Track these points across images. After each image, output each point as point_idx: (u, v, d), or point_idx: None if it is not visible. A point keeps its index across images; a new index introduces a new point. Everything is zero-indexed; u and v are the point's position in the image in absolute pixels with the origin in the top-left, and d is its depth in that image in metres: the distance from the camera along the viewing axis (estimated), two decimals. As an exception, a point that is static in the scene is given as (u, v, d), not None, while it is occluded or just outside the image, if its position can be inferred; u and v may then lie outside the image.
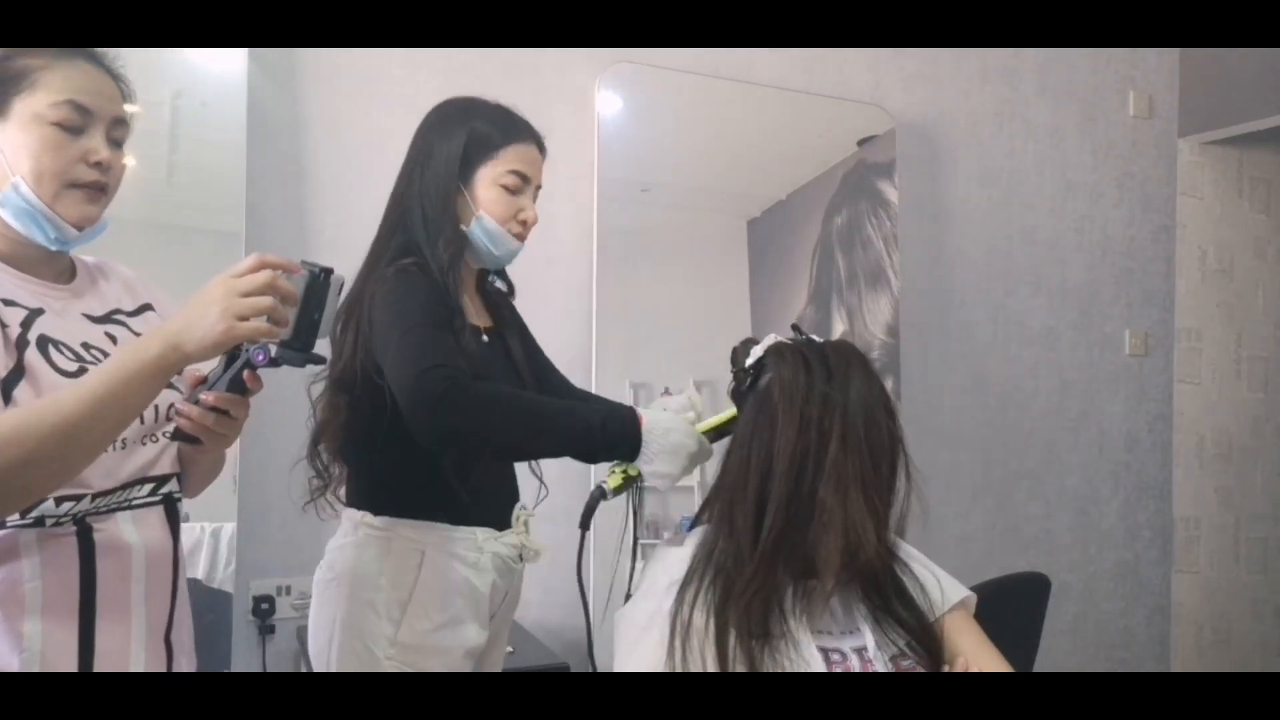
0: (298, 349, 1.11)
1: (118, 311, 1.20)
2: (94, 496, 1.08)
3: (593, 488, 1.30)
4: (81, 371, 1.08)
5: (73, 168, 1.09)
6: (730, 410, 1.31)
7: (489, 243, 1.47)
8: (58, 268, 1.16)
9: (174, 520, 1.19)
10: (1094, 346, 3.29)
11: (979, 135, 3.11)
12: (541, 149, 1.52)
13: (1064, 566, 3.19)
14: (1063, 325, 3.24)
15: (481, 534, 1.46)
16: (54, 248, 1.12)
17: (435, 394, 1.22)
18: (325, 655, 1.44)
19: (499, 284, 1.64)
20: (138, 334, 1.18)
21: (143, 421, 1.14)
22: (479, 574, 1.45)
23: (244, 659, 2.21)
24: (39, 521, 1.04)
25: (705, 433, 1.33)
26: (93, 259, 1.24)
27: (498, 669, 1.64)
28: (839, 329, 2.84)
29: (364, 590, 1.41)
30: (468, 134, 1.45)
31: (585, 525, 1.28)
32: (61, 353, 1.08)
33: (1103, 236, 3.30)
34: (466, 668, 1.47)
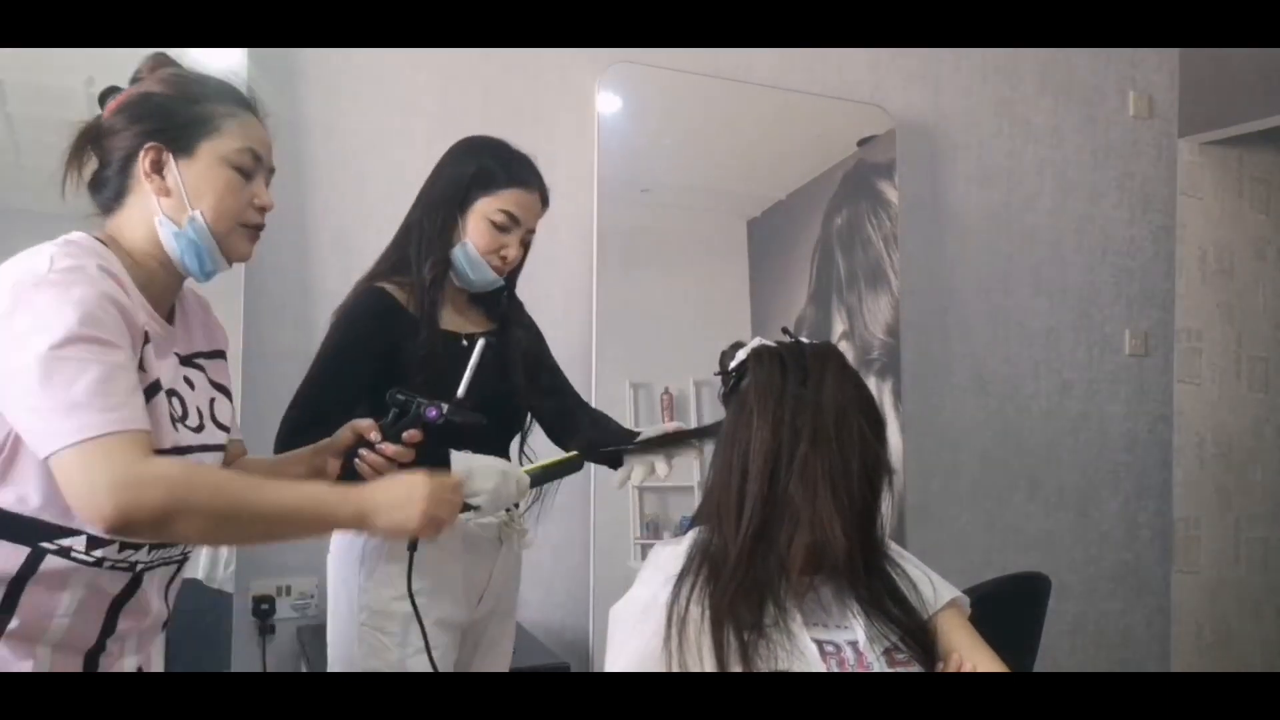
0: (470, 407, 1.33)
1: (199, 355, 1.24)
2: (150, 548, 1.13)
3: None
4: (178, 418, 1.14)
5: (245, 210, 1.18)
6: (561, 456, 1.47)
7: (468, 267, 1.56)
8: (170, 301, 1.20)
9: (174, 583, 1.24)
10: (1094, 346, 3.29)
11: (979, 135, 3.11)
12: (545, 201, 1.63)
13: (1064, 566, 3.19)
14: (1063, 325, 3.24)
15: None
16: (201, 279, 1.20)
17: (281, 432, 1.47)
18: (331, 625, 1.58)
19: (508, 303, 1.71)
20: (212, 380, 1.25)
21: None
22: (443, 551, 1.52)
23: (244, 659, 2.21)
24: (98, 563, 1.08)
25: (537, 470, 1.42)
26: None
27: (501, 652, 1.69)
28: (839, 329, 2.84)
29: (343, 566, 1.54)
30: (476, 168, 1.57)
31: (412, 548, 1.34)
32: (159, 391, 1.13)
33: (1103, 236, 3.30)
34: (444, 638, 1.54)
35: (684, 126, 2.71)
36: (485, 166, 1.57)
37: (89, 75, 2.07)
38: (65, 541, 1.05)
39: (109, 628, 1.12)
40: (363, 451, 1.32)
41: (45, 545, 1.05)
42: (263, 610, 2.21)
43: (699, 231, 2.77)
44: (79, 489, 0.98)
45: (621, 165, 2.58)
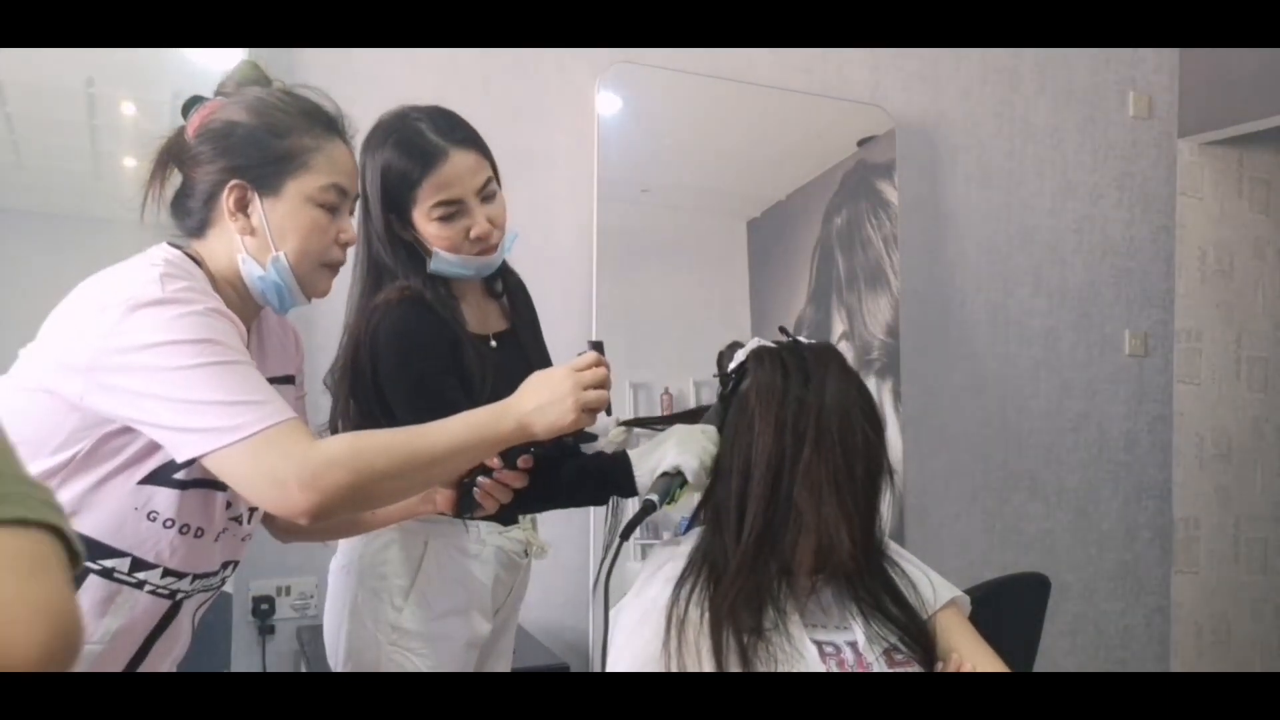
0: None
1: (271, 380, 1.21)
2: (193, 578, 1.13)
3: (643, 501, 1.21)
4: None
5: (329, 249, 1.17)
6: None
7: (458, 269, 1.43)
8: (248, 324, 1.19)
9: (203, 608, 1.24)
10: (1094, 347, 3.29)
11: (979, 135, 3.11)
12: (475, 145, 1.42)
13: (1064, 566, 3.19)
14: (1063, 325, 3.24)
15: (484, 528, 1.49)
16: (279, 311, 1.20)
17: None
18: (336, 640, 1.49)
19: (511, 279, 1.61)
20: None
21: (241, 524, 1.19)
22: (481, 566, 1.49)
23: (244, 659, 2.21)
24: (139, 585, 1.08)
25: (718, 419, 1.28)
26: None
27: (505, 662, 1.66)
28: (839, 329, 2.84)
29: (371, 579, 1.46)
30: (382, 184, 1.40)
31: (626, 537, 1.19)
32: None
33: (1103, 237, 3.30)
34: (469, 658, 1.50)
35: (684, 126, 2.71)
36: (390, 178, 1.39)
37: (89, 75, 2.07)
38: (109, 562, 1.06)
39: (139, 659, 1.12)
40: (482, 480, 1.26)
41: (88, 565, 1.05)
42: (263, 610, 2.21)
43: (699, 231, 2.77)
44: (258, 483, 1.00)
45: (621, 165, 2.58)
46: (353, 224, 1.20)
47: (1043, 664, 2.30)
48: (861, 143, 2.90)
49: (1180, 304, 3.38)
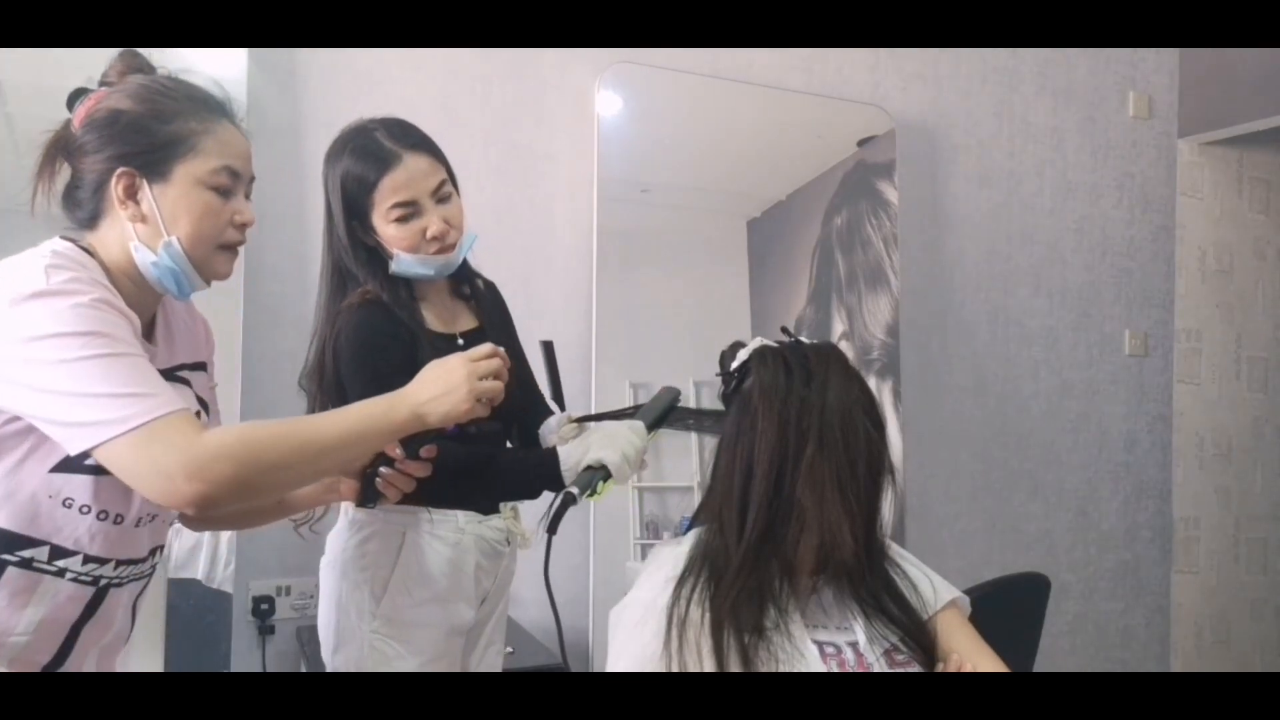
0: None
1: (182, 367, 1.22)
2: (117, 564, 1.13)
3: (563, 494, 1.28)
4: None
5: (224, 230, 1.15)
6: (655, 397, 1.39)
7: (418, 269, 1.48)
8: (149, 314, 1.18)
9: (142, 596, 1.24)
10: (1094, 347, 3.29)
11: (979, 135, 3.11)
12: (426, 149, 1.47)
13: (1064, 566, 3.19)
14: (1063, 325, 3.24)
15: (462, 517, 1.53)
16: (180, 299, 1.18)
17: None
18: (327, 634, 1.53)
19: (479, 282, 1.64)
20: (197, 394, 1.23)
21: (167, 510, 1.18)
22: (461, 554, 1.52)
23: (244, 659, 2.21)
24: (60, 573, 1.08)
25: (650, 417, 1.37)
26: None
27: (496, 649, 1.68)
28: (839, 329, 2.84)
29: (353, 571, 1.50)
30: (342, 191, 1.46)
31: (553, 530, 1.26)
32: None
33: (1103, 237, 3.30)
34: (453, 645, 1.54)
35: (684, 126, 2.71)
36: (348, 182, 1.45)
37: (89, 75, 2.07)
38: (27, 553, 1.05)
39: (68, 647, 1.12)
40: (384, 470, 1.30)
41: (6, 557, 1.05)
42: (263, 610, 2.21)
43: (699, 231, 2.77)
44: (145, 475, 0.99)
45: (621, 165, 2.58)
46: (249, 206, 1.18)
47: (1043, 664, 2.30)
48: (861, 143, 2.90)
49: (1180, 304, 3.38)
